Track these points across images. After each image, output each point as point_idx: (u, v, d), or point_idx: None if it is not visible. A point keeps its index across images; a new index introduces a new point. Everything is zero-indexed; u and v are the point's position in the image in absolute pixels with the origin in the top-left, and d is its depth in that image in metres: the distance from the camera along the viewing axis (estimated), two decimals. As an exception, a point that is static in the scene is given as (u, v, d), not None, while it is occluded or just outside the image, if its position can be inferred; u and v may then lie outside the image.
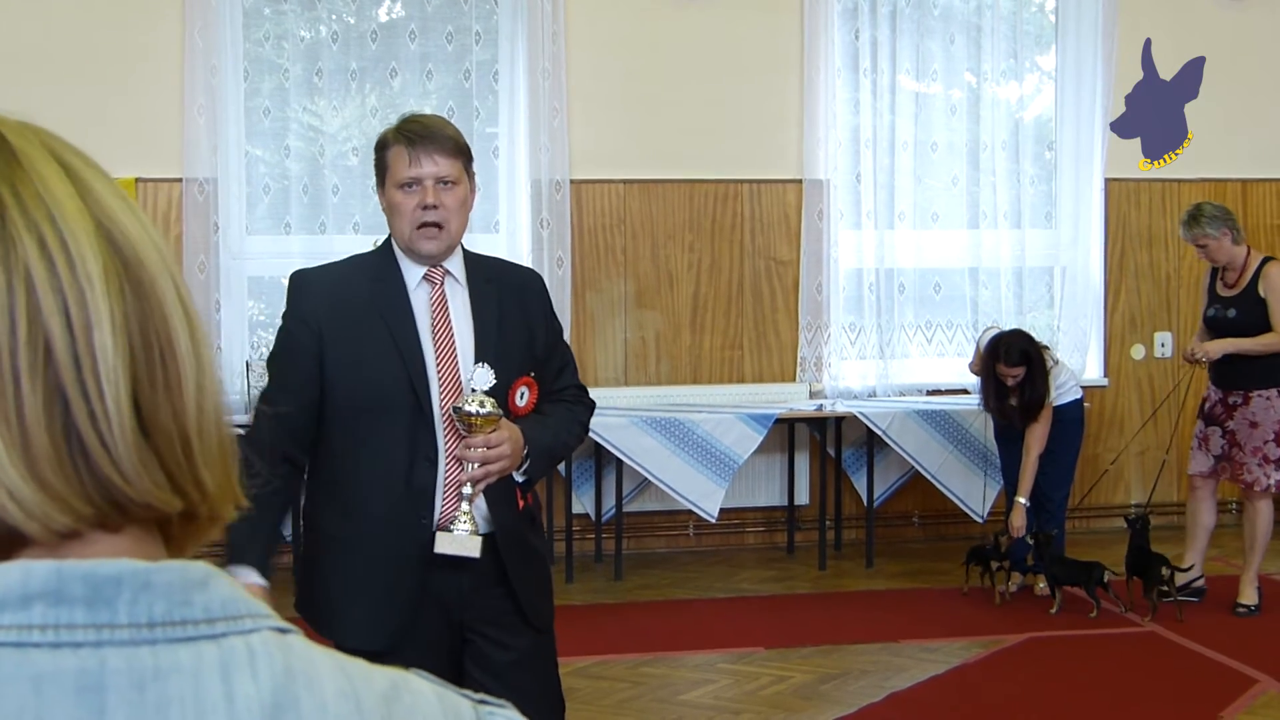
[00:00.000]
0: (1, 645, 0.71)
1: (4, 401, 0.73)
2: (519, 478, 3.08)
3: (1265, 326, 6.39)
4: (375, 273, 3.09)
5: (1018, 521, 6.61)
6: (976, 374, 6.93)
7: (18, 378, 0.73)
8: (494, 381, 2.96)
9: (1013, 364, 6.56)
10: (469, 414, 2.93)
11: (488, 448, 2.95)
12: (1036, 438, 6.63)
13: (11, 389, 0.73)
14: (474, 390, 2.95)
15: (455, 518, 2.98)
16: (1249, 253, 6.52)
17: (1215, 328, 6.52)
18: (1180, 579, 6.50)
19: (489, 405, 2.94)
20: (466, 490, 2.97)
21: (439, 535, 2.98)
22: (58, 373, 0.74)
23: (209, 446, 0.80)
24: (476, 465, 2.96)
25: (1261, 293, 6.41)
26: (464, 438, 2.96)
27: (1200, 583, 6.66)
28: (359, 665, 0.81)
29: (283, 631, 0.78)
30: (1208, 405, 6.62)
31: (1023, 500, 6.63)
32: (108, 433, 0.75)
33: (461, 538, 2.97)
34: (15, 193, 0.76)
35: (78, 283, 0.75)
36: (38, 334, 0.74)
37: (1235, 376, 6.45)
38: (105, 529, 0.76)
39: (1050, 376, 6.65)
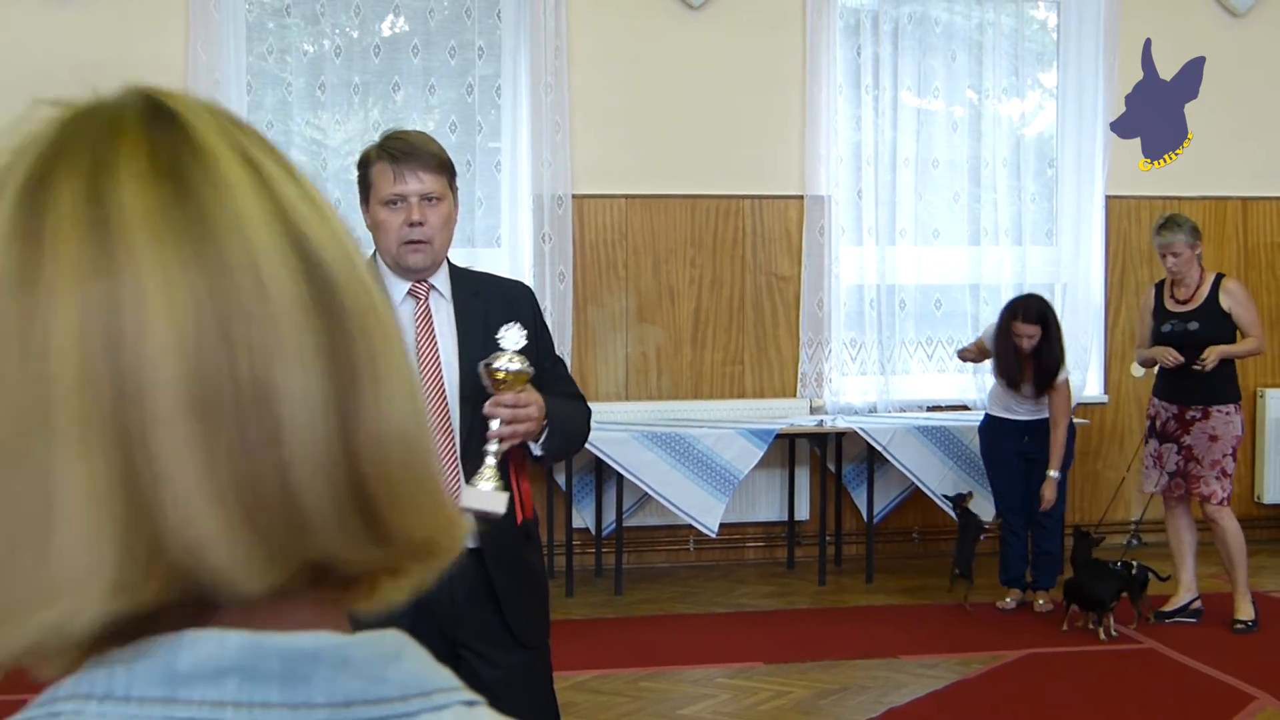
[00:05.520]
0: None
1: (211, 446, 0.67)
2: (537, 450, 3.05)
3: (1227, 338, 6.48)
4: None
5: (1049, 494, 6.69)
6: (967, 360, 7.02)
7: (220, 421, 0.67)
8: (525, 342, 2.94)
9: (1030, 321, 6.60)
10: (499, 370, 2.91)
11: (516, 406, 2.93)
12: (1061, 411, 6.70)
13: (217, 432, 0.67)
14: (503, 349, 2.93)
15: (480, 473, 2.93)
16: (1202, 270, 6.62)
17: (1173, 342, 6.54)
18: (1176, 602, 6.59)
19: (518, 362, 2.92)
20: (492, 447, 2.93)
21: (464, 489, 2.92)
22: (264, 416, 0.67)
23: (417, 490, 0.73)
24: (502, 423, 2.93)
25: (1225, 306, 6.51)
26: (491, 395, 2.93)
27: (1197, 604, 6.66)
28: None
29: (470, 704, 0.73)
30: (1159, 422, 6.63)
31: (1054, 474, 6.70)
32: (315, 483, 0.69)
33: (486, 492, 2.91)
34: (205, 209, 0.69)
35: (275, 313, 0.68)
36: (236, 370, 0.67)
37: (1194, 391, 6.49)
38: (298, 591, 0.70)
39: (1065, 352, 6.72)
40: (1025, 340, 6.63)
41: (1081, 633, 6.41)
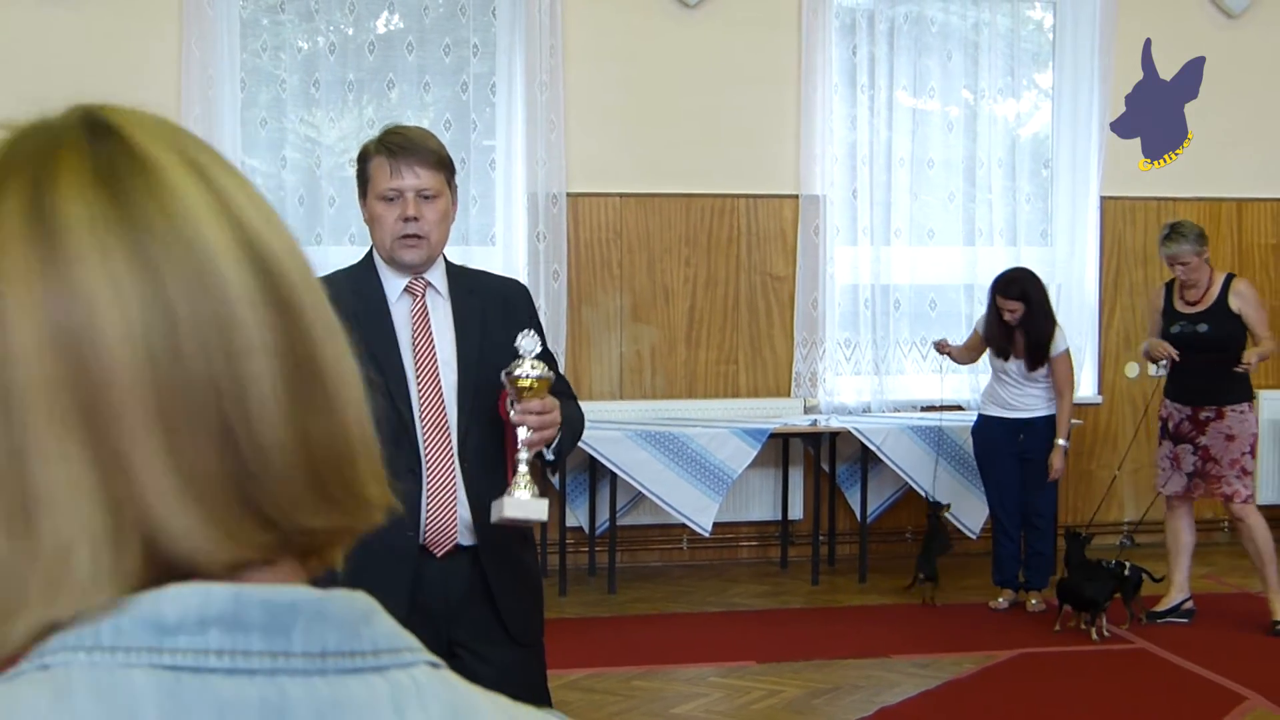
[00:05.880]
0: (180, 669, 0.69)
1: (170, 436, 0.71)
2: (549, 455, 3.07)
3: (1238, 339, 6.47)
4: (356, 285, 3.08)
5: (1058, 463, 6.77)
6: (942, 352, 7.04)
7: (185, 412, 0.71)
8: (540, 347, 2.95)
9: (1010, 297, 6.66)
10: (523, 378, 2.91)
11: (543, 413, 2.93)
12: (1064, 380, 6.78)
13: (182, 424, 0.71)
14: (522, 356, 2.93)
15: (516, 482, 2.94)
16: (1212, 271, 6.62)
17: (1182, 343, 6.53)
18: (1167, 602, 6.61)
19: (540, 369, 2.93)
20: (524, 454, 2.94)
21: (504, 500, 2.93)
22: (221, 406, 0.71)
23: (371, 460, 0.78)
24: (530, 431, 2.93)
25: (1235, 308, 6.50)
26: (515, 403, 2.93)
27: (1189, 604, 6.67)
28: (508, 701, 0.81)
29: (435, 666, 0.78)
30: (1172, 424, 6.62)
31: (1061, 442, 6.77)
32: (272, 463, 0.73)
33: (526, 501, 2.92)
34: (164, 213, 0.73)
35: (224, 309, 0.72)
36: (194, 366, 0.71)
37: (1207, 392, 6.49)
38: (267, 561, 0.75)
39: (1057, 330, 6.75)
40: (1008, 314, 6.71)
41: (1073, 633, 6.41)
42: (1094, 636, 6.31)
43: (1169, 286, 6.71)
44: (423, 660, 0.77)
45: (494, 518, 2.94)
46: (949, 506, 7.09)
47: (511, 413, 2.94)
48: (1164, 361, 6.57)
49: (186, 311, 0.71)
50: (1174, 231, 6.52)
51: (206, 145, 0.78)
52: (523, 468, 2.95)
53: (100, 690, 0.68)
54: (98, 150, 0.74)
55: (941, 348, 7.10)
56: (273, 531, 0.74)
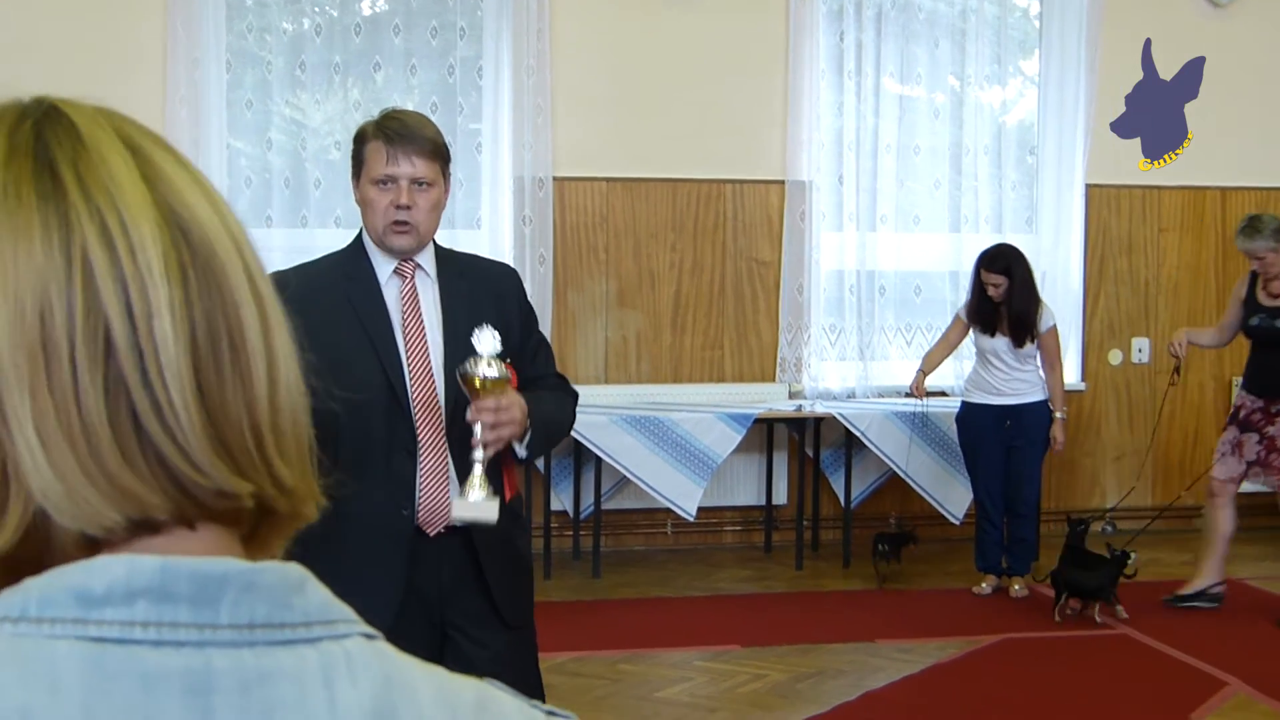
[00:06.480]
0: (106, 641, 0.70)
1: (63, 394, 0.72)
2: (521, 452, 3.06)
3: None
4: (347, 268, 3.09)
5: (1060, 435, 6.87)
6: (920, 392, 7.00)
7: (76, 369, 0.72)
8: (499, 347, 2.94)
9: (994, 270, 6.71)
10: (476, 377, 2.91)
11: (499, 410, 2.93)
12: (1055, 355, 6.86)
13: (70, 381, 0.72)
14: (479, 355, 2.93)
15: (470, 482, 2.95)
16: None
17: (1259, 337, 6.53)
18: (1195, 585, 6.63)
19: (496, 369, 2.92)
20: (478, 454, 2.94)
21: (455, 501, 2.95)
22: (119, 363, 0.72)
23: (284, 440, 0.79)
24: (486, 429, 2.93)
25: None
26: (470, 402, 2.93)
27: (1219, 589, 6.67)
28: (444, 673, 0.81)
29: (370, 638, 0.78)
30: (1243, 413, 6.60)
31: (1059, 415, 6.85)
32: (174, 423, 0.73)
33: (478, 502, 2.93)
34: (78, 177, 0.75)
35: (138, 270, 0.73)
36: (97, 323, 0.72)
37: None
38: (183, 523, 0.75)
39: (1042, 307, 6.79)
40: (991, 289, 6.74)
41: (1057, 617, 6.43)
42: (1097, 619, 6.33)
43: (1254, 276, 6.64)
44: (357, 631, 0.77)
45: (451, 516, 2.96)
46: (918, 540, 7.12)
47: (468, 411, 2.94)
48: (1171, 349, 6.65)
49: (101, 266, 0.73)
50: (1250, 225, 6.47)
51: (147, 129, 0.81)
52: (477, 468, 2.94)
53: (23, 661, 0.69)
54: (41, 132, 0.77)
55: (918, 388, 7.04)
56: (179, 490, 0.74)
